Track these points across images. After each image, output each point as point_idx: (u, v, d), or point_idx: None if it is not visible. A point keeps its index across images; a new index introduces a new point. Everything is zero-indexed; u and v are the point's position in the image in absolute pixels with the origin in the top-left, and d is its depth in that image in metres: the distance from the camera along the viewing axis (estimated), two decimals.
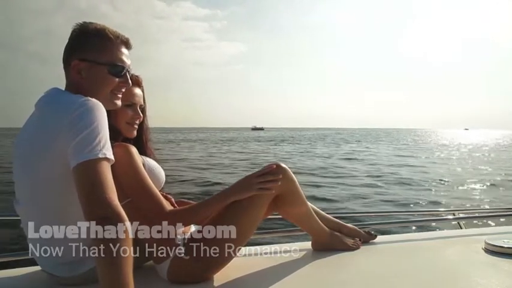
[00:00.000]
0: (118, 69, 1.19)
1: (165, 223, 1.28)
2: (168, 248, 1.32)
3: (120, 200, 0.95)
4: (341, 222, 1.79)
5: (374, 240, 1.82)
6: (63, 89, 1.19)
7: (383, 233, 2.00)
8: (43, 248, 1.20)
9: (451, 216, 2.27)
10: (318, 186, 10.61)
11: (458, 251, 1.72)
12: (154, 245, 1.34)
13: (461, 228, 2.21)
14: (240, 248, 1.39)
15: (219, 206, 1.35)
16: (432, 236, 2.01)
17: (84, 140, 0.97)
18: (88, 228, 0.89)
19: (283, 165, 1.44)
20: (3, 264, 1.50)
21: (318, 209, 1.72)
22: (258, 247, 1.77)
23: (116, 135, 1.34)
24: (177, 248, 1.31)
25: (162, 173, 1.45)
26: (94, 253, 0.88)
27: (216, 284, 1.32)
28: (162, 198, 1.31)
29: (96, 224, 0.88)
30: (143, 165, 1.34)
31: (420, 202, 8.58)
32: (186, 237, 1.34)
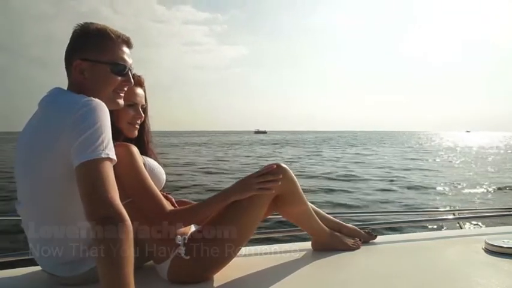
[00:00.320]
0: (120, 68, 1.20)
1: (165, 223, 1.28)
2: (168, 248, 1.32)
3: (121, 200, 0.95)
4: (341, 222, 1.79)
5: (374, 240, 1.82)
6: (66, 89, 1.19)
7: (383, 233, 2.00)
8: (43, 248, 1.20)
9: (451, 216, 2.27)
10: (332, 191, 10.37)
11: (458, 251, 1.72)
12: (155, 245, 1.34)
13: (461, 228, 2.21)
14: (240, 248, 1.39)
15: (220, 206, 1.35)
16: (432, 236, 2.01)
17: (87, 140, 0.97)
18: (89, 228, 0.89)
19: (284, 165, 1.44)
20: (3, 264, 1.50)
21: (318, 209, 1.72)
22: (258, 247, 1.77)
23: (117, 135, 1.34)
24: (177, 248, 1.31)
25: (162, 173, 1.45)
26: (95, 253, 0.88)
27: (216, 284, 1.32)
28: (162, 198, 1.31)
29: (98, 224, 0.88)
30: (144, 165, 1.34)
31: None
32: (186, 237, 1.34)
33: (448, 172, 15.66)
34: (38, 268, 1.34)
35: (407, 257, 1.65)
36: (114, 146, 1.06)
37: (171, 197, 1.52)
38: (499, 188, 11.36)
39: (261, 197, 1.37)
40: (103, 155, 0.97)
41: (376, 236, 1.84)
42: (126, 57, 1.21)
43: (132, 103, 1.38)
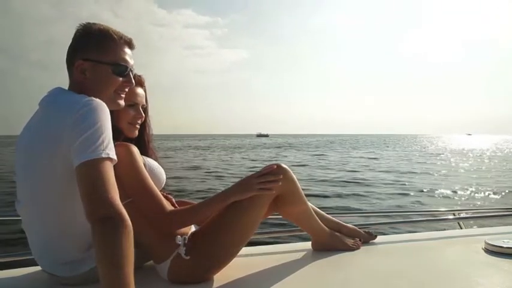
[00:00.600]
0: (122, 69, 1.20)
1: (165, 223, 1.28)
2: (168, 248, 1.32)
3: (121, 200, 0.95)
4: (341, 222, 1.79)
5: (374, 240, 1.83)
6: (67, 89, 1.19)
7: (383, 233, 2.00)
8: (43, 247, 1.20)
9: (451, 216, 2.27)
10: (348, 196, 10.00)
11: (458, 251, 1.72)
12: (155, 245, 1.34)
13: (461, 228, 2.21)
14: (240, 248, 1.39)
15: (220, 206, 1.35)
16: (432, 236, 2.01)
17: (88, 139, 0.97)
18: (89, 228, 0.89)
19: (284, 165, 1.45)
20: (3, 264, 1.50)
21: (318, 209, 1.72)
22: (258, 247, 1.77)
23: (117, 135, 1.35)
24: (178, 248, 1.31)
25: (162, 173, 1.45)
26: (95, 253, 0.88)
27: (216, 284, 1.32)
28: (162, 198, 1.31)
29: (98, 224, 0.88)
30: (144, 165, 1.34)
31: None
32: (187, 237, 1.34)
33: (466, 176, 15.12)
34: (38, 268, 1.34)
35: (407, 257, 1.65)
36: (114, 145, 1.06)
37: (171, 197, 1.52)
38: None
39: (261, 197, 1.37)
40: (103, 155, 0.97)
41: (376, 236, 1.84)
42: (127, 58, 1.21)
43: (132, 103, 1.38)
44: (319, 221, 1.64)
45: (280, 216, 1.64)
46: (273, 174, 1.39)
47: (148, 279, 1.37)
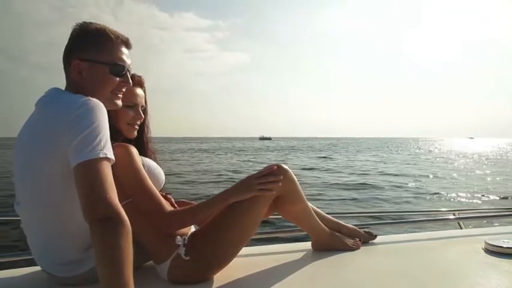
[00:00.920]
0: (119, 69, 1.19)
1: (165, 223, 1.28)
2: (168, 248, 1.32)
3: (120, 201, 0.95)
4: (341, 222, 1.79)
5: (374, 240, 1.83)
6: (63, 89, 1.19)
7: (383, 233, 2.00)
8: (43, 248, 1.20)
9: (451, 216, 2.27)
10: (366, 200, 9.69)
11: (458, 251, 1.72)
12: (155, 245, 1.34)
13: (461, 228, 2.21)
14: (240, 249, 1.39)
15: (220, 207, 1.35)
16: (432, 236, 2.00)
17: (85, 139, 0.97)
18: (88, 228, 0.89)
19: (284, 166, 1.45)
20: (3, 264, 1.50)
21: (318, 209, 1.72)
22: (258, 247, 1.77)
23: (116, 136, 1.34)
24: (177, 249, 1.31)
25: (161, 173, 1.45)
26: (94, 253, 0.88)
27: (216, 284, 1.32)
28: (162, 198, 1.31)
29: (96, 224, 0.88)
30: (143, 165, 1.34)
31: None
32: (186, 237, 1.34)
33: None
34: (37, 268, 1.34)
35: (407, 257, 1.65)
36: (113, 146, 1.05)
37: (171, 197, 1.52)
38: None
39: (261, 198, 1.37)
40: (101, 155, 0.96)
41: (376, 236, 1.84)
42: (125, 57, 1.21)
43: (132, 104, 1.38)
44: (319, 221, 1.64)
45: (280, 216, 1.64)
46: (273, 174, 1.39)
47: (148, 279, 1.37)
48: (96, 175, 0.93)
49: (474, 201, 9.94)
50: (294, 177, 1.48)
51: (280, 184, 1.40)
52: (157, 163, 1.47)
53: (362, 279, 1.38)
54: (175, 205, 1.46)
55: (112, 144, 1.04)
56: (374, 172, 17.52)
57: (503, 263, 1.51)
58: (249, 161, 26.33)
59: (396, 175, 16.35)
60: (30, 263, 1.37)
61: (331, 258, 1.60)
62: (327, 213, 1.78)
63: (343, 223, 1.79)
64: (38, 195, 1.10)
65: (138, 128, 1.43)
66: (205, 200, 1.36)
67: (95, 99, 1.06)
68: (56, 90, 1.16)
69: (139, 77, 1.42)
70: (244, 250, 1.51)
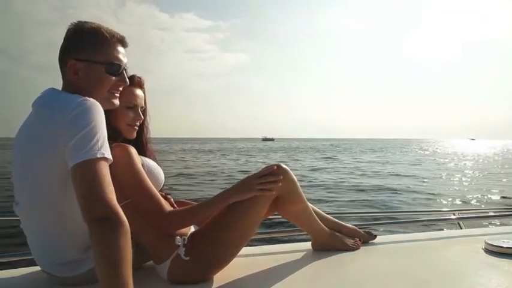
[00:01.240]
0: (115, 68, 1.19)
1: (164, 223, 1.28)
2: (168, 248, 1.32)
3: (119, 201, 0.95)
4: (341, 222, 1.79)
5: (374, 240, 1.83)
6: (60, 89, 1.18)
7: (383, 233, 2.00)
8: (42, 248, 1.20)
9: (451, 216, 2.27)
10: (380, 205, 9.03)
11: (458, 251, 1.72)
12: (154, 245, 1.34)
13: (461, 228, 2.21)
14: (240, 249, 1.39)
15: (220, 207, 1.35)
16: (432, 236, 2.01)
17: (82, 140, 0.96)
18: (87, 229, 0.89)
19: (284, 166, 1.44)
20: (3, 264, 1.50)
21: (318, 209, 1.72)
22: (258, 247, 1.77)
23: (115, 136, 1.34)
24: (177, 249, 1.31)
25: (161, 173, 1.44)
26: (93, 253, 0.88)
27: (216, 284, 1.32)
28: (161, 198, 1.30)
29: (95, 224, 0.88)
30: (142, 165, 1.34)
31: None
32: (186, 237, 1.34)
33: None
34: (37, 268, 1.34)
35: (407, 257, 1.65)
36: (112, 146, 1.05)
37: (170, 197, 1.52)
38: None
39: (261, 198, 1.37)
40: (98, 155, 0.96)
41: (376, 236, 1.84)
42: (121, 56, 1.20)
43: (132, 105, 1.38)
44: (319, 221, 1.64)
45: (280, 216, 1.64)
46: (273, 174, 1.39)
47: (148, 280, 1.37)
48: (94, 175, 0.93)
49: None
50: (294, 177, 1.48)
51: (280, 184, 1.40)
52: (157, 163, 1.47)
53: (362, 279, 1.38)
54: (175, 205, 1.46)
55: (111, 144, 1.04)
56: (384, 173, 16.97)
57: (503, 263, 1.51)
58: (258, 161, 25.98)
59: (409, 176, 15.78)
60: (30, 263, 1.37)
61: (331, 258, 1.60)
62: (327, 213, 1.78)
63: (343, 223, 1.79)
64: (37, 195, 1.10)
65: (137, 128, 1.43)
66: (205, 200, 1.36)
67: (91, 99, 1.05)
68: (53, 90, 1.16)
69: (139, 78, 1.42)
70: (244, 250, 1.51)
